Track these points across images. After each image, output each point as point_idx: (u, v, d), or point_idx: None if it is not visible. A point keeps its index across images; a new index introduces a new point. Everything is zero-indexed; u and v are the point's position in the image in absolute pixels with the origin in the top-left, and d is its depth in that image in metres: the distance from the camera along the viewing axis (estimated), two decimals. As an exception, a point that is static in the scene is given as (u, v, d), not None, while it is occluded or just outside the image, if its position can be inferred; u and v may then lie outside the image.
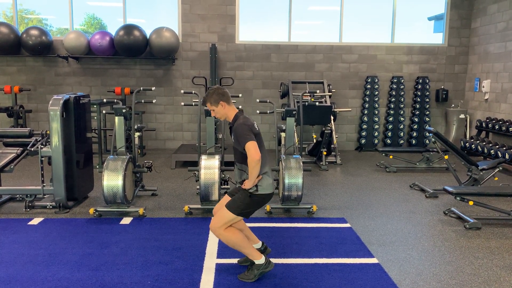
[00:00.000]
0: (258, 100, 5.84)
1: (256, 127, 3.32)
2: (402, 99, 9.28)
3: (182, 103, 5.93)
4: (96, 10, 9.59)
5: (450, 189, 4.72)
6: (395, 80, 9.26)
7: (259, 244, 3.61)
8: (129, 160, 4.92)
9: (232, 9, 8.97)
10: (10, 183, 6.11)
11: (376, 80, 9.20)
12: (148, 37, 8.51)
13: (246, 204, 3.25)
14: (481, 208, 5.02)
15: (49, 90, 9.00)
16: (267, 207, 4.89)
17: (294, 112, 5.14)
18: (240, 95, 6.29)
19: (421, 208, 5.23)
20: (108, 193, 4.65)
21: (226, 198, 3.51)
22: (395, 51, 9.29)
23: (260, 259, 3.30)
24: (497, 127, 7.74)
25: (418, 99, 9.31)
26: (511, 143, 7.51)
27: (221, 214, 3.26)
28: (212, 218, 3.33)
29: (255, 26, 9.41)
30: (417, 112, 9.34)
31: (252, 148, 3.11)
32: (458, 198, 4.69)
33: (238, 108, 3.50)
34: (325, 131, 7.27)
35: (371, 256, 3.79)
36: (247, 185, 3.22)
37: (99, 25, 9.65)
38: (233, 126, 3.29)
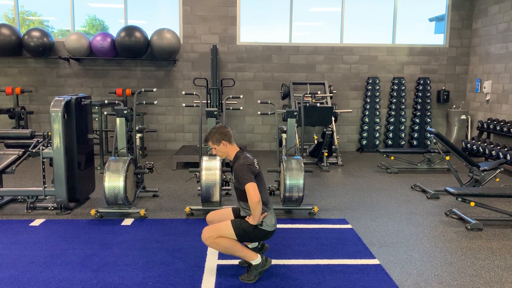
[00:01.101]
0: (259, 101, 5.86)
1: (257, 165, 3.35)
2: (403, 100, 9.27)
3: (183, 104, 5.95)
4: (97, 11, 9.61)
5: (451, 190, 4.72)
6: (396, 81, 9.26)
7: (255, 243, 3.61)
8: (131, 161, 4.92)
9: (233, 10, 8.98)
10: (12, 185, 6.12)
11: (377, 81, 9.20)
12: (149, 39, 8.52)
13: (246, 232, 3.26)
14: (483, 209, 5.02)
15: (51, 91, 9.02)
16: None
17: (295, 113, 5.14)
18: (241, 96, 6.32)
19: (423, 209, 5.23)
20: (110, 194, 4.66)
21: (227, 211, 3.52)
22: (396, 52, 9.29)
23: (256, 259, 3.30)
24: (498, 128, 7.74)
25: (419, 100, 9.30)
26: (512, 144, 7.51)
27: (220, 226, 3.27)
28: (206, 227, 3.32)
29: (256, 27, 9.42)
30: (418, 113, 9.34)
31: (251, 190, 3.12)
32: (459, 199, 4.69)
33: (240, 147, 3.52)
34: (326, 132, 7.27)
35: (372, 257, 3.79)
36: (251, 222, 3.24)
37: (101, 26, 9.67)
38: (234, 166, 3.31)
